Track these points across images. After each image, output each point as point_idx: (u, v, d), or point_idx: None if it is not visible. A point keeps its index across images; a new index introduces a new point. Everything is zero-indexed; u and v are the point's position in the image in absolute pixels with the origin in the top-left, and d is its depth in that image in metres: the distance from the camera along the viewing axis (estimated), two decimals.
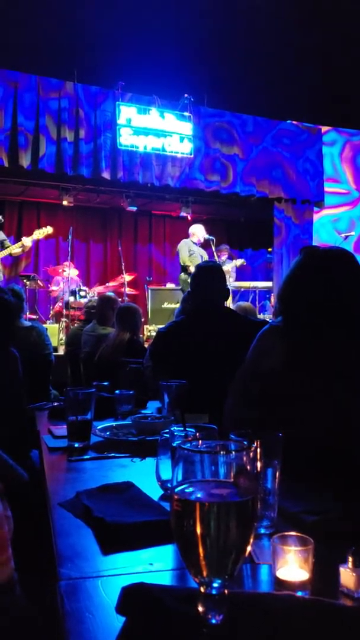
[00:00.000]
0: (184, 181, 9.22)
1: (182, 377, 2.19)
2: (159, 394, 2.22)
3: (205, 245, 9.01)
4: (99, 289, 9.44)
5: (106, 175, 8.59)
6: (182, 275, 8.76)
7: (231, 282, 9.37)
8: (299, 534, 0.94)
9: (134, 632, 0.76)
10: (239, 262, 9.95)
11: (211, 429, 1.36)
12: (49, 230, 8.46)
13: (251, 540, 0.65)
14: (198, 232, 8.91)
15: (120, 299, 7.43)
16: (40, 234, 8.36)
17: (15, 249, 7.80)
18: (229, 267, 9.50)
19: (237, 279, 10.17)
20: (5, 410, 2.43)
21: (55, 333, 7.80)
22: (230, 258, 10.20)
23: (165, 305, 9.34)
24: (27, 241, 8.04)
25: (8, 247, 7.69)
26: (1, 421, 2.37)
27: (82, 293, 8.82)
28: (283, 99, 9.88)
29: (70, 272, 8.83)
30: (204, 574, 0.64)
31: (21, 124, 7.92)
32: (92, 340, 5.15)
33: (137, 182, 8.96)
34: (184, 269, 8.68)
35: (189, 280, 8.18)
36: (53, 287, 9.28)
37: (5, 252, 7.59)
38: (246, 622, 0.74)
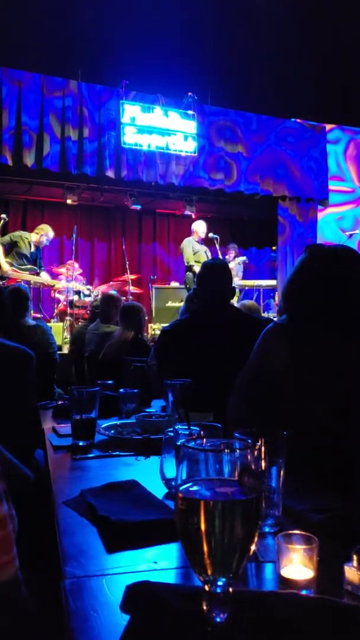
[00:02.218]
0: (188, 179, 9.22)
1: (187, 376, 2.19)
2: (164, 392, 2.21)
3: (209, 243, 9.01)
4: (102, 287, 9.44)
5: (110, 173, 8.59)
6: (188, 274, 8.76)
7: (237, 281, 9.37)
8: (303, 533, 0.94)
9: (138, 630, 0.76)
10: (240, 259, 9.95)
11: (215, 427, 1.36)
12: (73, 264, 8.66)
13: (256, 539, 0.65)
14: (199, 228, 8.90)
15: (124, 298, 7.44)
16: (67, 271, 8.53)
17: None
18: (234, 264, 9.51)
19: (242, 277, 10.17)
20: (12, 410, 2.43)
21: (59, 332, 7.81)
22: (237, 257, 10.22)
23: (170, 303, 9.33)
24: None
25: (35, 268, 7.86)
26: (7, 421, 2.37)
27: (86, 292, 8.82)
28: (287, 97, 9.87)
29: (74, 271, 8.85)
30: (209, 572, 0.64)
31: (25, 122, 7.92)
32: (96, 338, 5.16)
33: (141, 180, 8.96)
34: (189, 267, 8.69)
35: (194, 280, 8.21)
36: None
37: (30, 279, 7.75)
38: (251, 621, 0.74)
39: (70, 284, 8.45)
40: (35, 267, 7.75)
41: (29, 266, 7.68)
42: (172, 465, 1.37)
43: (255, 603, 0.78)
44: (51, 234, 7.83)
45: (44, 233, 7.70)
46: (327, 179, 10.37)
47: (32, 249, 7.70)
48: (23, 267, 7.61)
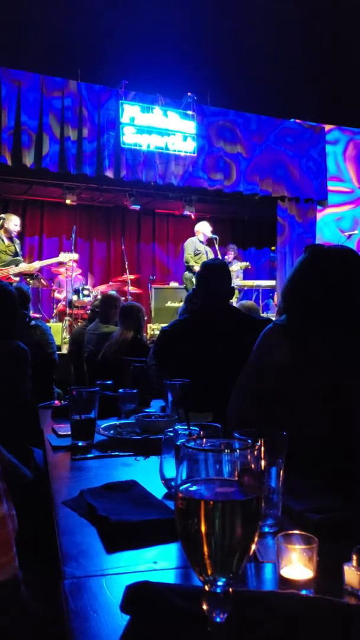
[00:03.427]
0: (187, 180, 9.22)
1: (186, 376, 2.19)
2: (163, 392, 2.21)
3: (209, 243, 9.02)
4: (102, 287, 9.44)
5: (109, 174, 8.59)
6: (187, 274, 8.76)
7: (237, 282, 9.37)
8: (303, 533, 0.94)
9: (138, 630, 0.76)
10: (244, 264, 9.95)
11: (215, 427, 1.36)
12: (74, 256, 8.61)
13: (255, 539, 0.65)
14: (203, 229, 8.90)
15: (123, 298, 7.44)
16: (65, 257, 8.47)
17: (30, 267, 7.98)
18: (236, 268, 9.51)
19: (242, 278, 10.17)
20: (10, 409, 2.44)
21: (58, 332, 7.81)
22: (237, 258, 10.21)
23: (169, 304, 9.33)
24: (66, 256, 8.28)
25: (19, 259, 7.79)
26: (6, 420, 2.37)
27: (86, 292, 8.82)
28: (286, 97, 9.87)
29: (71, 257, 8.79)
30: (209, 572, 0.64)
31: (25, 122, 7.93)
32: (95, 339, 5.16)
33: (141, 180, 8.97)
34: (188, 267, 8.69)
35: (192, 279, 8.22)
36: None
37: (19, 270, 7.68)
38: (251, 621, 0.74)
39: (59, 258, 8.43)
40: (18, 259, 7.71)
41: (9, 259, 7.64)
42: (172, 466, 1.37)
43: (255, 603, 0.78)
44: (15, 219, 7.71)
45: (7, 221, 7.63)
46: (326, 179, 10.38)
47: (7, 242, 7.66)
48: (5, 263, 7.58)
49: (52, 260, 8.44)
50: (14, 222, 7.62)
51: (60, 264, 8.87)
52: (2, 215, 7.72)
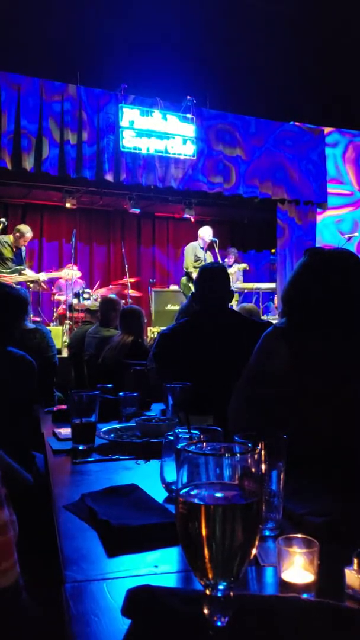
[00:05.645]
0: (187, 183, 9.23)
1: (187, 379, 2.19)
2: (163, 395, 2.21)
3: (209, 247, 9.02)
4: (102, 291, 9.44)
5: (109, 177, 8.60)
6: (184, 279, 8.75)
7: (237, 284, 9.36)
8: (304, 536, 0.94)
9: (139, 634, 0.76)
10: (242, 266, 9.95)
11: (216, 431, 1.36)
12: (77, 273, 8.69)
13: (256, 543, 0.65)
14: (204, 234, 8.90)
15: (123, 301, 7.44)
16: (68, 274, 8.54)
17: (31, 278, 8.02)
18: (235, 270, 9.51)
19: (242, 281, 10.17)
20: (12, 413, 2.44)
21: (59, 335, 7.80)
22: (237, 262, 10.21)
23: (169, 307, 9.33)
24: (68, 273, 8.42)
25: (22, 267, 7.84)
26: (7, 424, 2.37)
27: (86, 295, 8.82)
28: (286, 100, 9.88)
29: (74, 274, 8.85)
30: (210, 576, 0.64)
31: (24, 126, 7.95)
32: (95, 342, 5.15)
33: (140, 184, 8.98)
34: (187, 273, 8.68)
35: (190, 285, 8.22)
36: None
37: (22, 278, 7.73)
38: (252, 625, 0.74)
39: (61, 273, 8.53)
40: (21, 267, 7.74)
41: (14, 268, 7.68)
42: (172, 469, 1.37)
43: (256, 606, 0.78)
44: (28, 234, 7.73)
45: (20, 234, 7.66)
46: (325, 181, 10.39)
47: (15, 250, 7.71)
48: (8, 270, 7.61)
49: (54, 275, 8.53)
50: (24, 238, 7.71)
51: (63, 268, 8.94)
52: (2, 220, 7.74)
